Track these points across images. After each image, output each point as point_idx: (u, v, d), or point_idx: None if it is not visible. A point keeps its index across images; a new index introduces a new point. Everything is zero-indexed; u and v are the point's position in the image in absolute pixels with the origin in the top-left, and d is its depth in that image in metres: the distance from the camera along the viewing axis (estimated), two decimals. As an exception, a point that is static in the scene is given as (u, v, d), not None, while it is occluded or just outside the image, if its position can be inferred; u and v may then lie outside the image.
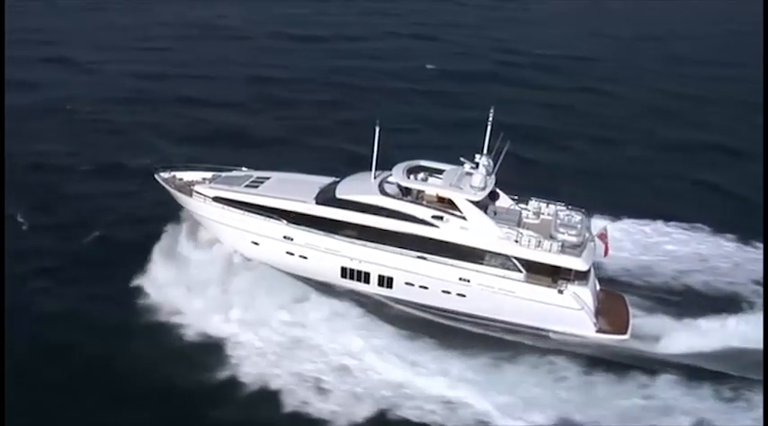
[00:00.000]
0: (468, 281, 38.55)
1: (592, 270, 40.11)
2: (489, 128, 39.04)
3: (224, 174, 43.55)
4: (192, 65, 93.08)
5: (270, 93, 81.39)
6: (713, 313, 40.03)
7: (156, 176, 42.94)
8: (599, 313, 39.57)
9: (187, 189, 42.16)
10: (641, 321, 39.95)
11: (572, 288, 37.98)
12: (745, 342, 38.14)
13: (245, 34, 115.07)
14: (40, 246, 44.63)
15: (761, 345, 37.25)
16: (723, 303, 41.85)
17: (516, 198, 41.99)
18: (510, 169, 41.22)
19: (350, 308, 38.82)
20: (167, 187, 42.52)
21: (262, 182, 42.40)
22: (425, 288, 39.37)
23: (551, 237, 38.05)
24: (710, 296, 43.10)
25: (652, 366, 36.82)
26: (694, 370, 36.52)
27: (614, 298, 41.29)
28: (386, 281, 39.88)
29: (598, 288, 41.64)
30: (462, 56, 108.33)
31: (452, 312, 39.33)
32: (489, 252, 38.16)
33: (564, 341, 38.33)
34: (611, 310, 40.16)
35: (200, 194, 41.47)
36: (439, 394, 33.70)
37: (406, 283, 39.60)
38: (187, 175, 43.23)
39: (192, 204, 41.84)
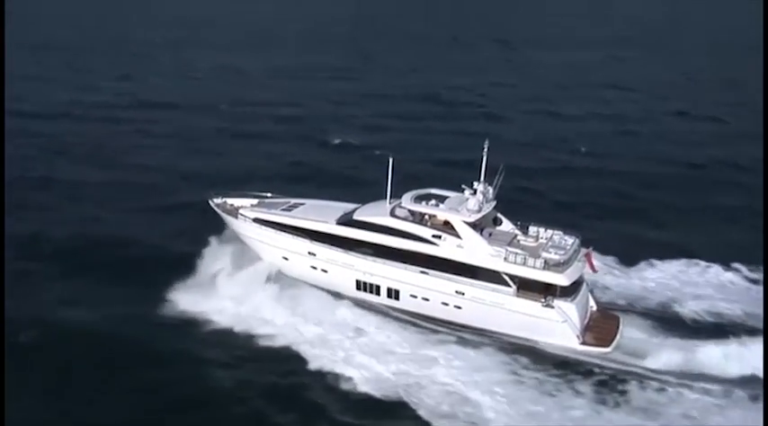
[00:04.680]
0: (464, 294, 43.07)
1: (584, 288, 43.86)
2: (485, 158, 44.10)
3: (267, 200, 50.67)
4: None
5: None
6: (700, 337, 42.72)
7: (209, 201, 50.65)
8: (589, 328, 42.99)
9: (234, 212, 49.52)
10: (632, 339, 42.70)
11: (557, 303, 41.65)
12: (726, 365, 40.20)
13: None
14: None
15: (742, 368, 39.80)
16: (711, 328, 44.50)
17: (518, 223, 46.25)
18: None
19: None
20: (218, 210, 50.07)
21: (296, 207, 49.07)
22: (427, 299, 44.19)
23: (538, 256, 42.11)
24: (700, 321, 45.88)
25: (638, 379, 39.70)
26: (676, 385, 39.04)
27: (609, 317, 44.38)
28: (393, 293, 45.07)
29: (595, 307, 45.04)
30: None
31: (450, 322, 43.76)
32: (481, 267, 42.65)
33: (551, 351, 41.82)
34: (601, 327, 43.34)
35: (244, 216, 48.69)
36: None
37: (411, 295, 44.58)
38: (237, 201, 50.60)
39: (237, 225, 49.03)
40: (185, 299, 44.56)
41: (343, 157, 79.77)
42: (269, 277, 47.11)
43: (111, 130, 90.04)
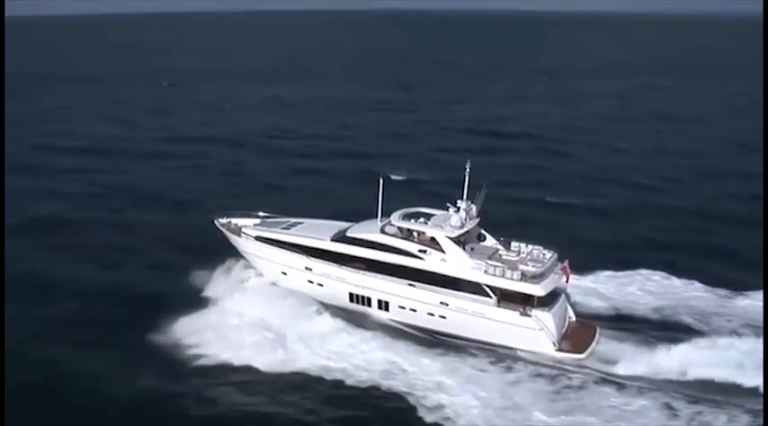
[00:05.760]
0: (448, 305, 45.82)
1: (562, 299, 46.26)
2: (468, 178, 47.16)
3: (269, 220, 54.18)
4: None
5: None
6: (668, 343, 43.94)
7: (214, 221, 54.35)
8: (566, 336, 45.38)
9: (238, 231, 53.11)
10: (608, 347, 44.80)
11: (535, 313, 44.21)
12: (697, 370, 41.65)
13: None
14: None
15: (717, 372, 41.24)
16: (679, 335, 45.82)
17: (501, 239, 48.98)
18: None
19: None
20: (222, 230, 53.73)
21: (294, 226, 52.52)
22: (414, 310, 46.99)
23: (516, 268, 44.71)
24: (671, 329, 47.39)
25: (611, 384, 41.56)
26: (641, 390, 40.86)
27: (586, 327, 46.64)
28: (384, 305, 47.98)
29: (574, 318, 47.39)
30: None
31: (436, 332, 46.47)
32: (463, 279, 45.43)
33: (530, 357, 44.12)
34: (578, 335, 45.67)
35: (246, 234, 52.27)
36: None
37: (400, 307, 47.43)
38: (241, 221, 54.18)
39: (240, 242, 52.60)
40: (261, 357, 43.53)
41: (401, 192, 71.53)
42: (343, 327, 46.62)
43: (157, 166, 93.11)
